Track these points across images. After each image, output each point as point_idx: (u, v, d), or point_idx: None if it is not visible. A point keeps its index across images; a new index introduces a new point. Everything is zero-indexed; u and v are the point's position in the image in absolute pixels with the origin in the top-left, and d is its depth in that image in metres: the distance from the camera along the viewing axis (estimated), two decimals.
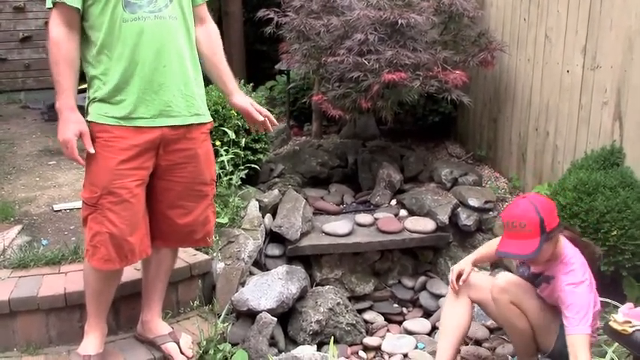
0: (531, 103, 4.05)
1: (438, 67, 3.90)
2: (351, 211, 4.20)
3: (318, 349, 3.12)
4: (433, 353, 2.82)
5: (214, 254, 3.25)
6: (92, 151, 2.24)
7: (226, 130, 3.76)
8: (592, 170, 3.05)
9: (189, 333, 2.78)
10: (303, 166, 4.55)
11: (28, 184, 4.12)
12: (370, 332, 3.58)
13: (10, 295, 2.65)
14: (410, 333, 3.52)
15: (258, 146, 4.05)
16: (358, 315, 3.52)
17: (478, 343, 3.15)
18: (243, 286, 3.16)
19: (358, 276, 3.89)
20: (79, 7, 2.18)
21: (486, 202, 3.97)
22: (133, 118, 2.27)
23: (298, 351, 2.83)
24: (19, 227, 3.38)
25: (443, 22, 4.32)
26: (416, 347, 3.32)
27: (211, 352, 2.69)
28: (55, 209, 3.64)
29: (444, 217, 3.86)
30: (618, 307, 2.37)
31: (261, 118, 2.58)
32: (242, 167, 3.84)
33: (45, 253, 3.02)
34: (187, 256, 3.08)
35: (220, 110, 3.86)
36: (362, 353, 3.33)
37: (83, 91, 2.30)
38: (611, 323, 2.25)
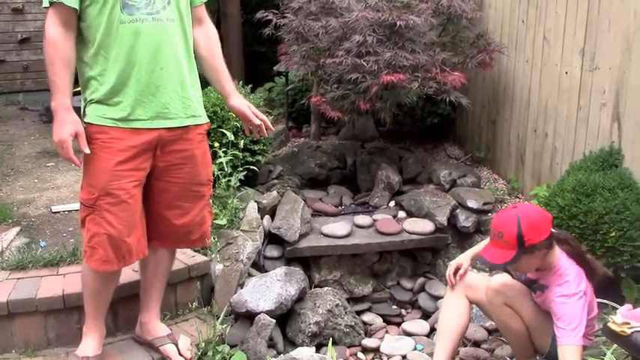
0: (530, 104, 4.05)
1: (437, 68, 3.90)
2: (349, 212, 4.20)
3: (317, 350, 3.11)
4: (432, 354, 2.82)
5: (213, 256, 3.25)
6: (87, 151, 2.23)
7: (225, 131, 3.76)
8: (591, 171, 3.05)
9: (187, 334, 2.78)
10: (302, 168, 4.55)
11: (26, 186, 4.12)
12: (369, 334, 3.58)
13: (8, 297, 2.65)
14: (409, 334, 3.51)
15: (256, 148, 4.05)
16: (357, 316, 3.51)
17: (477, 344, 3.15)
18: (241, 288, 3.16)
19: (357, 277, 3.89)
20: (77, 8, 2.18)
21: (485, 204, 3.97)
22: (130, 119, 2.28)
23: (297, 352, 2.83)
24: (17, 229, 3.38)
25: (441, 23, 4.32)
26: (415, 349, 3.32)
27: (210, 353, 2.69)
28: (54, 211, 3.64)
29: (443, 219, 3.86)
30: (617, 309, 2.37)
31: (257, 122, 2.58)
32: (241, 169, 3.84)
33: (43, 255, 3.02)
34: (186, 257, 3.08)
35: (219, 112, 3.86)
36: (361, 355, 3.33)
37: (77, 93, 2.30)
38: (609, 325, 2.25)
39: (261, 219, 3.76)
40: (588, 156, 3.25)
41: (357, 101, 3.95)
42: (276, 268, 3.41)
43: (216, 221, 3.42)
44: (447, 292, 2.72)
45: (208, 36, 2.53)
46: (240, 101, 2.60)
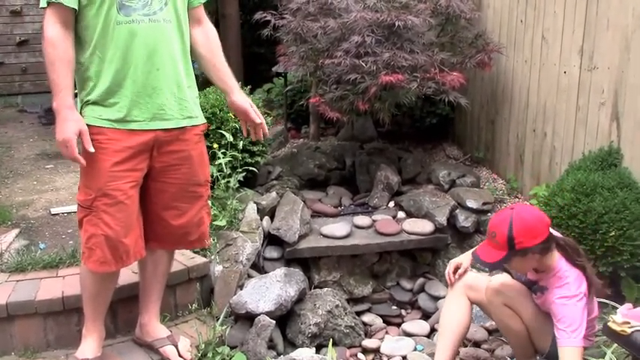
0: (529, 104, 4.05)
1: (436, 68, 3.90)
2: (349, 213, 4.20)
3: (317, 351, 3.11)
4: (432, 355, 2.81)
5: (212, 257, 3.24)
6: (92, 149, 2.22)
7: (224, 132, 3.75)
8: (590, 171, 3.05)
9: (187, 336, 2.78)
10: (301, 169, 4.55)
11: (25, 188, 4.12)
12: (369, 334, 3.58)
13: (7, 299, 2.65)
14: (409, 335, 3.51)
15: (255, 149, 4.05)
16: (357, 317, 3.51)
17: (477, 344, 3.15)
18: (241, 289, 3.16)
19: (357, 278, 3.89)
20: (76, 8, 2.17)
21: (484, 204, 3.97)
22: (126, 120, 2.27)
23: (297, 353, 2.83)
24: (16, 231, 3.37)
25: (440, 23, 4.32)
26: (415, 349, 3.31)
27: (210, 355, 2.69)
28: (53, 213, 3.64)
29: (442, 219, 3.86)
30: (617, 308, 2.37)
31: (258, 120, 2.58)
32: (240, 170, 3.83)
33: (42, 257, 3.02)
34: (185, 259, 3.07)
35: (218, 113, 3.86)
36: (361, 356, 3.33)
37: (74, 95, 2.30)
38: (609, 324, 2.25)
39: (261, 220, 3.76)
40: (587, 155, 3.25)
41: (355, 102, 3.95)
42: (275, 269, 3.40)
43: (216, 222, 3.42)
44: (449, 293, 2.72)
45: (207, 34, 2.53)
46: (242, 98, 2.58)
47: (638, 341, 2.17)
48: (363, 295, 3.85)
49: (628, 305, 2.32)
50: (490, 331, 3.22)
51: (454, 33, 4.34)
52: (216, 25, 5.94)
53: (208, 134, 3.70)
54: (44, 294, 2.71)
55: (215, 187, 3.61)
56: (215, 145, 3.71)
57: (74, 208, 3.51)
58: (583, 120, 3.45)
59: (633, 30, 3.00)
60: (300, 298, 3.25)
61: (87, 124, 2.26)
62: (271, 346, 3.00)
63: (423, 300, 3.84)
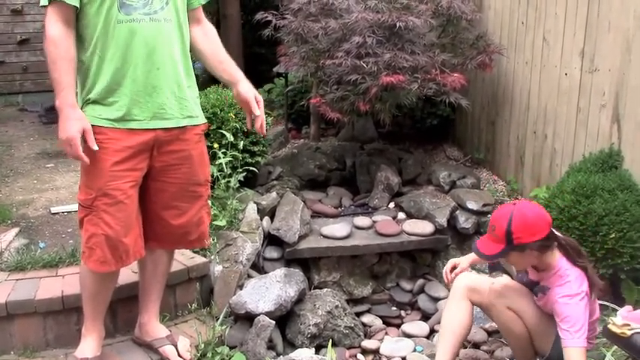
0: (529, 106, 4.05)
1: (436, 69, 3.90)
2: (349, 213, 4.19)
3: (317, 352, 3.11)
4: (432, 356, 2.81)
5: (212, 257, 3.24)
6: (96, 147, 2.22)
7: (224, 132, 3.75)
8: (590, 173, 3.05)
9: (187, 336, 2.77)
10: (301, 169, 4.55)
11: (25, 187, 4.12)
12: (368, 335, 3.58)
13: (7, 298, 2.65)
14: (408, 336, 3.51)
15: (256, 149, 4.05)
16: (356, 318, 3.51)
17: (476, 346, 3.15)
18: (241, 289, 3.16)
19: (356, 279, 3.89)
20: (77, 6, 2.17)
21: (484, 205, 3.97)
22: (126, 120, 2.27)
23: (296, 354, 2.83)
24: (16, 230, 3.37)
25: (441, 24, 4.32)
26: (414, 350, 3.31)
27: (209, 355, 2.69)
28: (53, 212, 3.64)
29: (443, 220, 3.86)
30: (617, 310, 2.37)
31: (257, 112, 2.53)
32: (240, 170, 3.83)
33: (42, 256, 3.02)
34: (185, 258, 3.07)
35: (218, 113, 3.86)
36: (360, 356, 3.33)
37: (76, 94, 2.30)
38: (609, 326, 2.25)
39: (261, 220, 3.75)
40: (588, 157, 3.25)
41: (356, 102, 3.95)
42: (275, 269, 3.40)
43: (216, 222, 3.42)
44: (450, 294, 2.72)
45: (207, 32, 2.53)
46: (247, 87, 2.53)
47: (638, 343, 2.17)
48: (362, 295, 3.85)
49: (628, 307, 2.32)
50: (490, 333, 3.21)
51: (455, 34, 4.35)
52: (217, 25, 5.96)
53: (209, 134, 3.70)
54: (44, 293, 2.71)
55: (215, 187, 3.61)
56: (215, 145, 3.71)
57: (74, 207, 3.51)
58: (584, 122, 3.45)
59: (634, 32, 3.00)
60: (300, 299, 3.25)
61: None
62: (271, 346, 3.00)
63: (422, 301, 3.84)
